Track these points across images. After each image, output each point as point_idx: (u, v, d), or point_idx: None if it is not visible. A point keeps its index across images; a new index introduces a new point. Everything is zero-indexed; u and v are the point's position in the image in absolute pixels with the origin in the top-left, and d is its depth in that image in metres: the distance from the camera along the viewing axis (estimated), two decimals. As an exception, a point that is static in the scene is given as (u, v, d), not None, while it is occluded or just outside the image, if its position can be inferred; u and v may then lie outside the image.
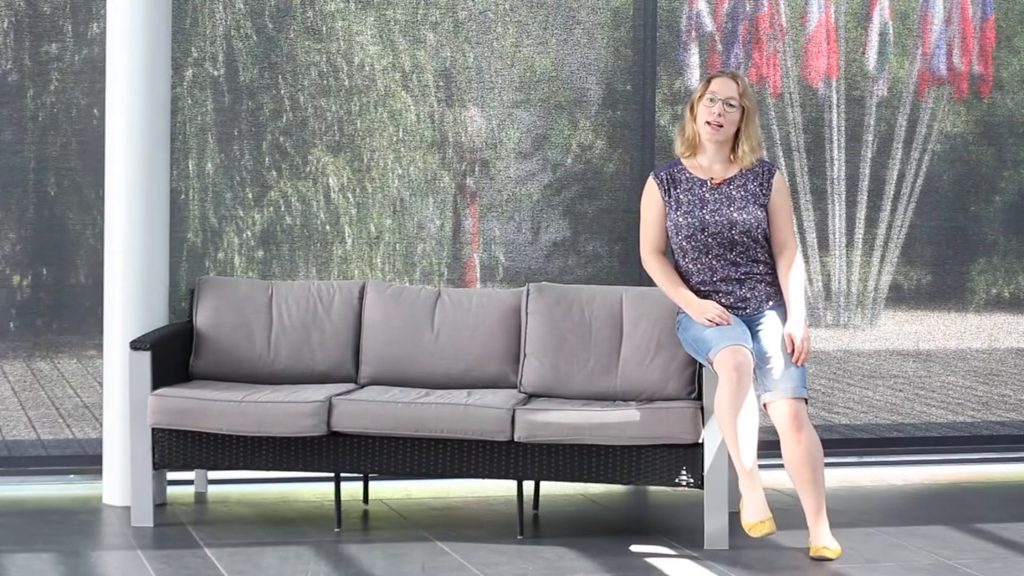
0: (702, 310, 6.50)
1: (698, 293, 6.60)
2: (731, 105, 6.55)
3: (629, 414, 6.57)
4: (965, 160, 8.49)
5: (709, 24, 8.16)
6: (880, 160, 8.39)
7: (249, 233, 7.78)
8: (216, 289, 7.20)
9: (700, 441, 6.53)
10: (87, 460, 7.56)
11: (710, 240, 6.56)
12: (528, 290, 7.11)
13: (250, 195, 7.77)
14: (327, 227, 7.84)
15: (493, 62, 7.97)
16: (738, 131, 6.60)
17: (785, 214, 6.64)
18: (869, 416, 8.48)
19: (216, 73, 7.70)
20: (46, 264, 7.67)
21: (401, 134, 7.90)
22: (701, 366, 6.61)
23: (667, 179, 6.65)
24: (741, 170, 6.63)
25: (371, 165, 7.88)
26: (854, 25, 8.34)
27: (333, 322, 7.16)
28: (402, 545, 6.52)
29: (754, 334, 6.51)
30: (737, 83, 6.58)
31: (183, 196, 7.65)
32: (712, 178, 6.62)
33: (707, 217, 6.56)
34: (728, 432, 6.26)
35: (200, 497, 7.34)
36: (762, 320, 6.56)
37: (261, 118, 7.77)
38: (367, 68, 7.86)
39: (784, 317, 6.56)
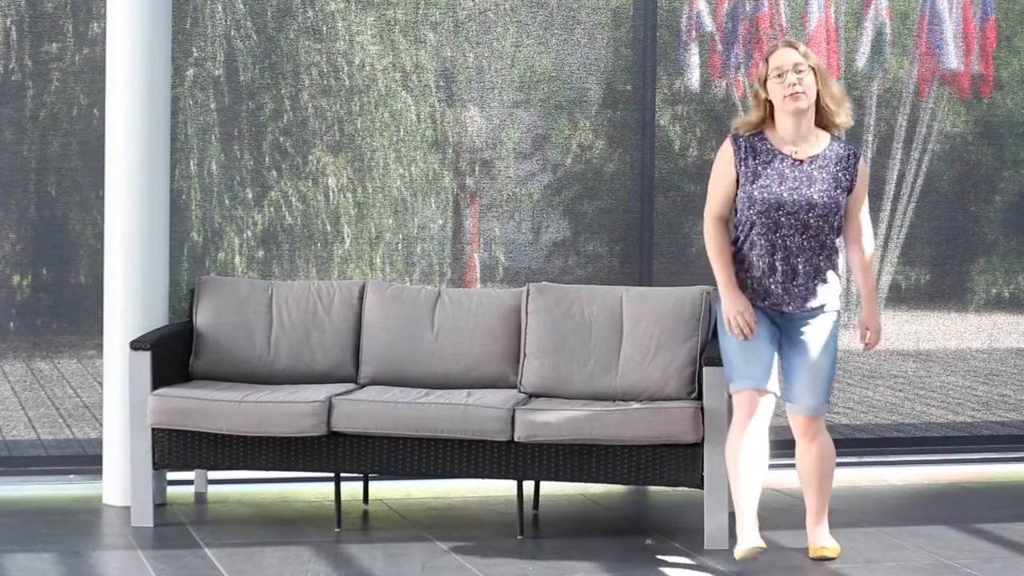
0: (730, 307, 6.21)
1: (746, 284, 6.28)
2: (800, 71, 6.19)
3: (629, 414, 6.56)
4: (965, 160, 8.49)
5: (709, 24, 8.16)
6: (880, 160, 8.38)
7: (249, 233, 7.78)
8: (216, 289, 7.20)
9: (700, 441, 6.52)
10: (87, 460, 7.56)
11: (783, 220, 6.20)
12: (528, 290, 7.11)
13: (250, 195, 7.77)
14: (327, 227, 7.84)
15: (493, 62, 7.97)
16: (818, 97, 6.26)
17: (863, 202, 6.33)
18: (869, 416, 8.48)
19: (216, 73, 7.70)
20: (46, 264, 7.67)
21: (401, 134, 7.89)
22: (701, 366, 6.61)
23: (746, 147, 6.27)
24: (824, 150, 6.28)
25: (371, 165, 7.88)
26: (854, 25, 8.34)
27: (333, 322, 7.16)
28: (402, 545, 6.52)
29: (795, 335, 6.28)
30: (796, 48, 6.24)
31: (183, 196, 7.65)
32: (796, 151, 6.27)
33: (785, 195, 6.20)
34: (732, 475, 6.16)
35: (200, 497, 7.34)
36: (810, 322, 6.28)
37: (261, 118, 7.77)
38: (367, 68, 7.86)
39: (834, 327, 6.31)
